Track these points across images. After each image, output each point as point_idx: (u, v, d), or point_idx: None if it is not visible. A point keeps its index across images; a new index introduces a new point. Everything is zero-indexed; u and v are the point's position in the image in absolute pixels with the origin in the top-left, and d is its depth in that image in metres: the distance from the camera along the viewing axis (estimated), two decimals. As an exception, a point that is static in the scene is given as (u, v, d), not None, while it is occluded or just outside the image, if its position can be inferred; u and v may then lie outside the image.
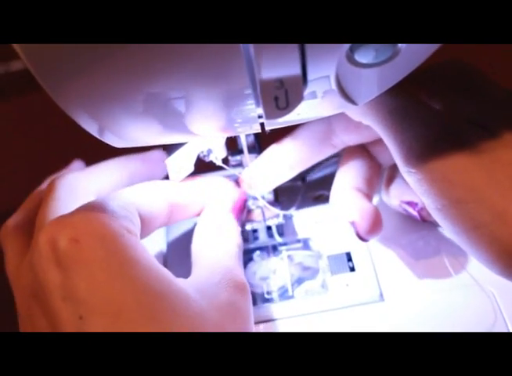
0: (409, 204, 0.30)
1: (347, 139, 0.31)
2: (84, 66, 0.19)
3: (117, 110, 0.21)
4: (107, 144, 0.24)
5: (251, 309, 0.26)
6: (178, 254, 0.34)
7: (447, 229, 0.25)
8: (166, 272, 0.24)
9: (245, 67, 0.19)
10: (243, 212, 0.32)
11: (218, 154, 0.30)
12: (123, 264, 0.23)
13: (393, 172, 0.32)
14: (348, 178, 0.31)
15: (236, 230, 0.30)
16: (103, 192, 0.29)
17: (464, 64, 0.28)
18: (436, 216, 0.25)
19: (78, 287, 0.22)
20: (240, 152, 0.32)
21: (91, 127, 0.22)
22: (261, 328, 0.30)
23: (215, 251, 0.28)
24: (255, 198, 0.32)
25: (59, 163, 0.51)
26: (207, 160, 0.30)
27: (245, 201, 0.32)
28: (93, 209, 0.24)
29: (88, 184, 0.29)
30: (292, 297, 0.31)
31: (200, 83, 0.20)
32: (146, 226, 0.27)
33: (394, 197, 0.31)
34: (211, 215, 0.30)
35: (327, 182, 0.33)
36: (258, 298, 0.31)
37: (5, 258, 0.28)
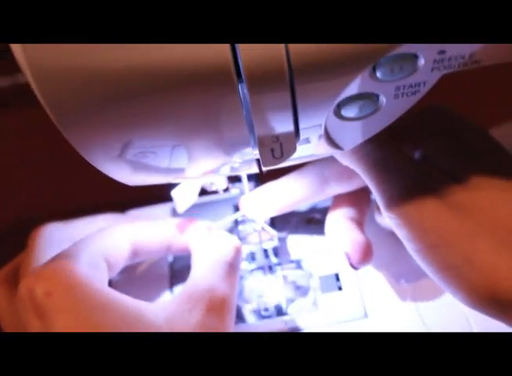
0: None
1: (339, 189, 0.33)
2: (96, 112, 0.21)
3: (116, 159, 0.24)
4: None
5: (228, 324, 0.29)
6: (185, 259, 0.37)
7: (424, 269, 0.27)
8: (134, 308, 0.28)
9: (245, 123, 0.22)
10: None
11: (219, 185, 0.33)
12: (90, 310, 0.26)
13: None
14: (342, 209, 0.33)
15: (225, 245, 0.31)
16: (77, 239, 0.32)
17: (445, 109, 0.31)
18: (415, 257, 0.27)
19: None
20: (240, 180, 0.35)
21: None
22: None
23: (200, 269, 0.30)
24: (253, 221, 0.36)
25: (65, 172, 0.53)
26: (209, 190, 0.33)
27: None
28: (62, 261, 0.28)
29: (64, 233, 0.33)
30: (286, 314, 0.34)
31: (203, 134, 0.23)
32: (113, 267, 0.31)
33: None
34: (202, 235, 0.32)
35: (318, 205, 0.37)
36: (255, 315, 0.34)
37: None
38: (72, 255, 0.28)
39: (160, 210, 0.41)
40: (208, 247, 0.31)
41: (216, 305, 0.28)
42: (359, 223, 0.33)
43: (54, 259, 0.28)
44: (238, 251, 0.31)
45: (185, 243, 0.32)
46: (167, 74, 0.19)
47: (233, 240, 0.32)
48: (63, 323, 0.26)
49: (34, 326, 0.27)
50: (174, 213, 0.40)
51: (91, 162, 0.24)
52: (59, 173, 0.54)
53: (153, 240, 0.32)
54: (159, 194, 0.36)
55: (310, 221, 0.38)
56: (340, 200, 0.34)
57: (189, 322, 0.28)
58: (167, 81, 0.20)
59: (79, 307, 0.26)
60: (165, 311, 0.28)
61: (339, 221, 0.33)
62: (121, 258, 0.31)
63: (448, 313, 0.32)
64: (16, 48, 0.19)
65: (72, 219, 0.34)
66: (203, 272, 0.30)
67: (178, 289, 0.36)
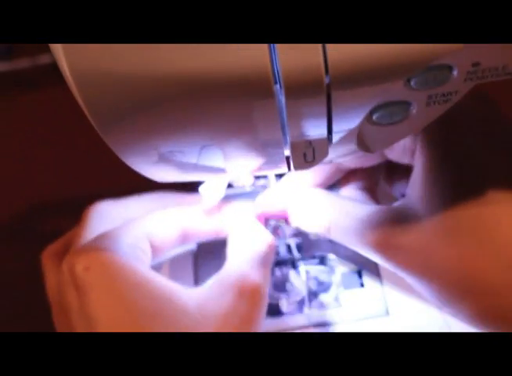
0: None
1: (352, 164, 0.34)
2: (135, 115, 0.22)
3: (150, 160, 0.25)
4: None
5: (259, 313, 0.29)
6: (209, 250, 0.38)
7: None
8: (169, 290, 0.28)
9: (280, 126, 0.22)
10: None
11: (246, 180, 0.34)
12: (124, 287, 0.28)
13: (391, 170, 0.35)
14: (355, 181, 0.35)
15: (259, 234, 0.32)
16: (131, 217, 0.33)
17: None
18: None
19: (89, 308, 0.27)
20: (265, 176, 0.35)
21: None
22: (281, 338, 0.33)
23: (234, 260, 0.31)
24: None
25: (85, 152, 0.54)
26: (236, 186, 0.34)
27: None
28: (105, 240, 0.29)
29: (117, 211, 0.34)
30: (309, 309, 0.35)
31: (237, 136, 0.23)
32: (158, 250, 0.32)
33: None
34: (238, 225, 0.33)
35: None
36: (277, 310, 0.35)
37: (45, 279, 0.33)
38: (115, 235, 0.29)
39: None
40: (245, 240, 0.32)
41: (248, 291, 0.29)
42: (372, 191, 0.34)
43: (97, 237, 0.30)
44: (271, 247, 0.32)
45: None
46: (207, 80, 0.20)
47: (268, 236, 0.32)
48: (96, 297, 0.27)
49: (71, 301, 0.28)
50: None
51: (126, 163, 0.25)
52: (81, 155, 0.55)
53: (203, 226, 0.33)
54: (186, 186, 0.36)
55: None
56: (352, 172, 0.35)
57: (221, 306, 0.28)
58: (207, 86, 0.20)
59: (114, 284, 0.28)
60: (198, 295, 0.29)
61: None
62: (169, 242, 0.32)
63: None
64: (58, 52, 0.19)
65: (124, 197, 0.35)
66: (237, 262, 0.31)
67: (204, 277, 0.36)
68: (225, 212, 0.34)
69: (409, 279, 0.29)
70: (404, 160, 0.31)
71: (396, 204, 0.30)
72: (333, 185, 0.35)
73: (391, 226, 0.28)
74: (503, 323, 0.25)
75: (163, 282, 0.29)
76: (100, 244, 0.29)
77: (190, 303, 0.28)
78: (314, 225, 0.32)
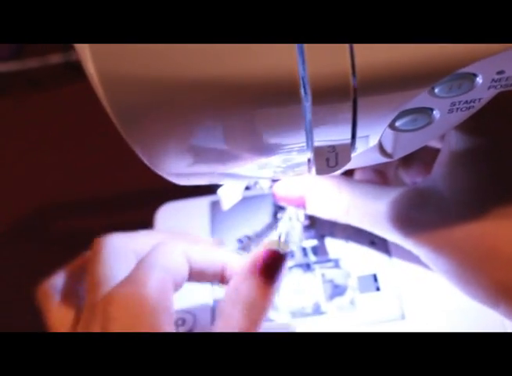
0: None
1: None
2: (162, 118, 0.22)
3: (173, 163, 0.25)
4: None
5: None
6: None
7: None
8: None
9: (304, 132, 0.23)
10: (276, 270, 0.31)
11: (263, 184, 0.34)
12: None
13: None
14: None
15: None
16: (142, 251, 0.32)
17: None
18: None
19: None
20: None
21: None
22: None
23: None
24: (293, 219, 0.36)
25: (95, 151, 0.54)
26: (253, 188, 0.34)
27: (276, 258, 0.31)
28: (132, 286, 0.28)
29: (127, 244, 0.33)
30: (324, 312, 0.35)
31: (263, 141, 0.24)
32: (177, 287, 0.31)
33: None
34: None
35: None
36: (295, 312, 0.35)
37: (46, 316, 0.32)
38: (141, 280, 0.29)
39: (199, 202, 0.42)
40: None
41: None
42: (384, 177, 0.34)
43: (123, 284, 0.29)
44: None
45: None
46: (232, 83, 0.20)
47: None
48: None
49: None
50: (213, 206, 0.41)
51: (148, 164, 0.25)
52: (90, 154, 0.55)
53: (207, 265, 0.32)
54: (199, 187, 0.36)
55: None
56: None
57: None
58: (233, 90, 0.20)
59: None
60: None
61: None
62: (183, 278, 0.31)
63: (487, 315, 0.33)
64: (84, 53, 0.19)
65: (131, 232, 0.34)
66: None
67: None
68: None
69: (427, 255, 0.29)
70: (430, 142, 0.31)
71: (418, 184, 0.30)
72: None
73: (412, 205, 0.29)
74: None
75: None
76: (127, 292, 0.28)
77: None
78: (332, 210, 0.32)
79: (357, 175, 0.36)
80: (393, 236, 0.30)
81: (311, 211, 0.34)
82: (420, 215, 0.28)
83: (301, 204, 0.34)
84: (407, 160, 0.36)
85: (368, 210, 0.31)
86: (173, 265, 0.30)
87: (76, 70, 0.57)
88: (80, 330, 0.29)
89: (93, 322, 0.28)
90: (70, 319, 0.31)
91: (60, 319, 0.32)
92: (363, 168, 0.35)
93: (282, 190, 0.34)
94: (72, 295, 0.33)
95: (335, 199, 0.32)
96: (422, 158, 0.35)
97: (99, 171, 0.54)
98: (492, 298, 0.27)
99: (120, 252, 0.32)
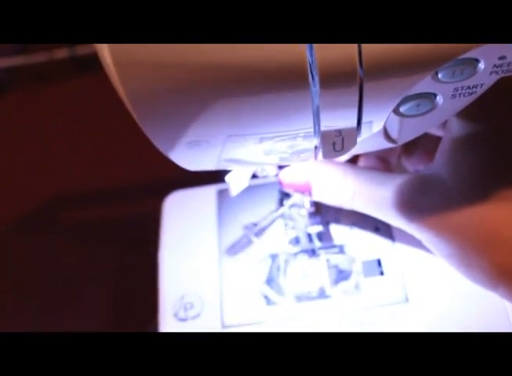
0: None
1: None
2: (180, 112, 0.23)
3: (185, 149, 0.25)
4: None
5: None
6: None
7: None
8: None
9: (312, 117, 0.23)
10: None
11: (270, 171, 0.35)
12: None
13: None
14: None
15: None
16: None
17: None
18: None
19: None
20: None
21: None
22: (302, 324, 0.35)
23: None
24: (299, 206, 0.37)
25: (104, 143, 0.55)
26: (260, 175, 0.35)
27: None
28: None
29: None
30: (329, 296, 0.36)
31: (273, 127, 0.24)
32: None
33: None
34: None
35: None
36: (300, 296, 0.36)
37: None
38: None
39: (206, 191, 0.43)
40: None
41: None
42: (387, 164, 0.35)
43: None
44: None
45: None
46: (243, 69, 0.21)
47: None
48: None
49: None
50: (220, 195, 0.42)
51: (162, 151, 0.26)
52: (99, 146, 0.56)
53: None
54: (205, 176, 0.37)
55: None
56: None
57: None
58: (243, 76, 0.21)
59: None
60: None
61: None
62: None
63: (489, 303, 0.34)
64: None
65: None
66: None
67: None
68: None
69: (430, 239, 0.29)
70: (431, 130, 0.32)
71: (421, 171, 0.31)
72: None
73: (416, 191, 0.30)
74: None
75: None
76: None
77: None
78: (337, 196, 0.33)
79: (361, 163, 0.37)
80: (397, 221, 0.31)
81: (316, 198, 0.34)
82: (424, 201, 0.29)
83: (306, 191, 0.34)
84: (410, 148, 0.37)
85: (373, 196, 0.31)
86: None
87: (82, 64, 0.58)
88: None
89: None
90: None
91: None
92: (367, 156, 0.36)
93: (288, 177, 0.35)
94: None
95: (340, 185, 0.33)
96: (424, 146, 0.36)
97: (106, 163, 0.54)
98: (493, 280, 0.28)
99: None
